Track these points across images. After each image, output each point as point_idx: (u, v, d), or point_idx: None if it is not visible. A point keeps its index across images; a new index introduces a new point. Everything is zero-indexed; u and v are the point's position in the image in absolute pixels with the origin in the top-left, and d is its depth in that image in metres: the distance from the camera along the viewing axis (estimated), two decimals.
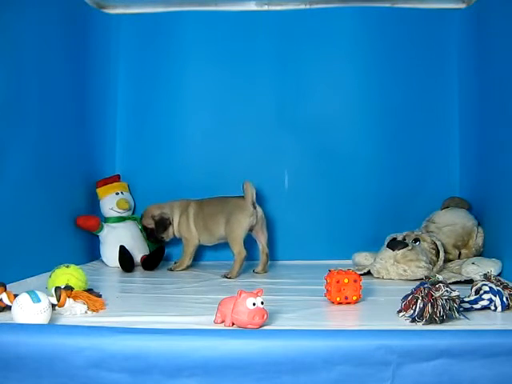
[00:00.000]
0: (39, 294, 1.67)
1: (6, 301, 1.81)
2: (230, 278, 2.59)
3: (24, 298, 1.65)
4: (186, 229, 2.86)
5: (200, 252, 2.99)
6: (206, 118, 3.17)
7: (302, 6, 3.13)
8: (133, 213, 3.14)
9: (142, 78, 3.19)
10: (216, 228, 2.79)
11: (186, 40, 3.15)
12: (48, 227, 2.56)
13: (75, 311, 1.84)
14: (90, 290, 2.03)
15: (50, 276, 2.08)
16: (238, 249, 2.68)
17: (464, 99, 3.05)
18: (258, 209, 2.76)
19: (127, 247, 2.83)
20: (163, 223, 2.87)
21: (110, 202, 3.04)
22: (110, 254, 2.90)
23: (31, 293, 1.66)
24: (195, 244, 2.86)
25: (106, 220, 3.04)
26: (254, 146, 3.13)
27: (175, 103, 3.16)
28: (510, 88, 2.45)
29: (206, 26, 3.13)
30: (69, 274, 2.05)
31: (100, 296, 2.00)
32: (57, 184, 2.66)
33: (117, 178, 3.12)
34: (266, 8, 3.14)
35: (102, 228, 2.96)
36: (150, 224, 2.89)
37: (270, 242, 2.90)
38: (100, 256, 2.98)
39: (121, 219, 3.04)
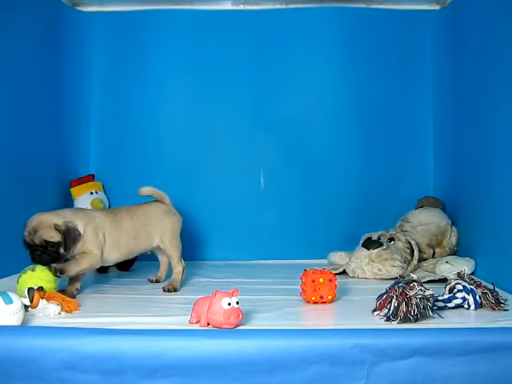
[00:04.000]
0: (11, 295, 1.65)
1: None
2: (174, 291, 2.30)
3: None
4: (98, 243, 2.16)
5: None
6: (181, 117, 3.15)
7: (278, 6, 3.13)
8: None
9: (117, 76, 3.16)
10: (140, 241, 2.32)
11: (161, 39, 3.13)
12: (21, 227, 2.52)
13: (48, 312, 1.82)
14: (63, 291, 2.01)
15: (18, 282, 2.02)
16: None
17: (438, 100, 3.08)
18: None
19: None
20: (73, 234, 2.09)
21: (84, 201, 3.00)
22: None
23: (3, 294, 1.64)
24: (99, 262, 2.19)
25: None
26: (229, 145, 3.13)
27: (150, 102, 3.14)
28: (483, 89, 2.48)
29: (182, 25, 3.12)
30: (36, 278, 1.99)
31: (74, 297, 1.98)
32: (30, 183, 2.63)
33: (91, 178, 3.09)
34: (242, 7, 3.14)
35: None
36: (53, 237, 2.05)
37: (247, 242, 2.90)
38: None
39: None
